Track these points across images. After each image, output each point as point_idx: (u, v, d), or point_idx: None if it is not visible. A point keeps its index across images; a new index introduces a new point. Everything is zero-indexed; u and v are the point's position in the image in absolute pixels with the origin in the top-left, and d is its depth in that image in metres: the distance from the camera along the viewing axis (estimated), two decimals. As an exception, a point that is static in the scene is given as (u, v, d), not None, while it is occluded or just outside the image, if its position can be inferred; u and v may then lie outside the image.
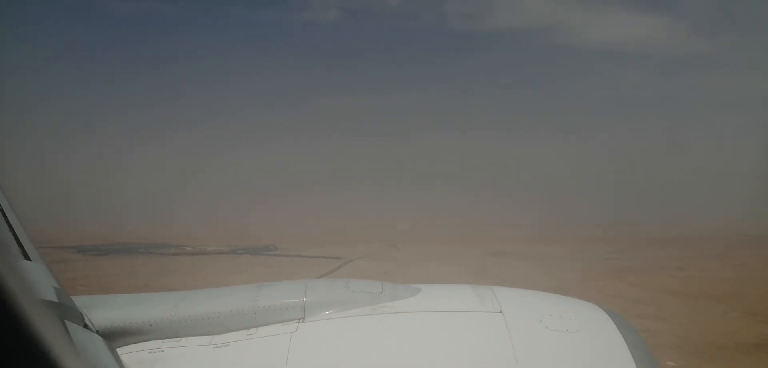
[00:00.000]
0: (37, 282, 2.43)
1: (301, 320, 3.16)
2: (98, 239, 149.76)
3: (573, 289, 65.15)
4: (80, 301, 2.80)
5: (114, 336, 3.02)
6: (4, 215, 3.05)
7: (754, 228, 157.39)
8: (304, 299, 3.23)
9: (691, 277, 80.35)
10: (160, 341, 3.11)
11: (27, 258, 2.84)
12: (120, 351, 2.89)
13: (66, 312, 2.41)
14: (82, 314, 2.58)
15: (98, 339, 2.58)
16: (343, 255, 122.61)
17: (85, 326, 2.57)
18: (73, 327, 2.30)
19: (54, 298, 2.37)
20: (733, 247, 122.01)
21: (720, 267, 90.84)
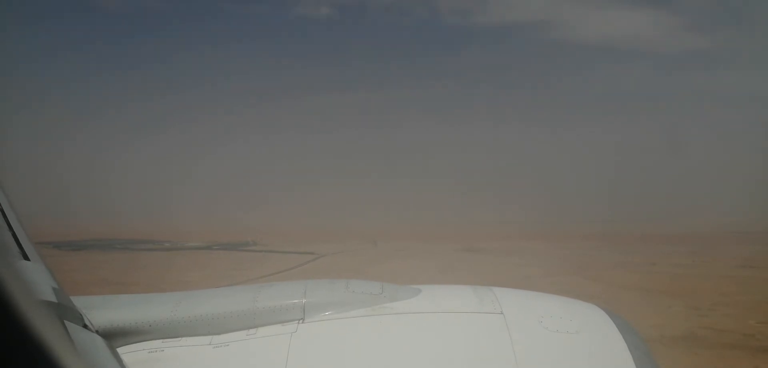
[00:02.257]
0: (36, 283, 2.41)
1: (300, 321, 3.16)
2: (81, 235, 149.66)
3: (531, 283, 64.73)
4: (80, 301, 2.79)
5: (114, 336, 3.01)
6: (4, 215, 2.98)
7: (744, 225, 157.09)
8: (304, 300, 3.22)
9: (656, 272, 79.99)
10: (160, 341, 3.10)
11: (26, 258, 2.79)
12: (120, 350, 2.88)
13: (65, 312, 2.39)
14: (81, 314, 2.58)
15: (98, 339, 2.58)
16: (321, 251, 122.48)
17: (85, 326, 2.57)
18: (73, 327, 2.29)
19: (53, 299, 2.35)
20: (712, 244, 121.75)
21: (690, 263, 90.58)
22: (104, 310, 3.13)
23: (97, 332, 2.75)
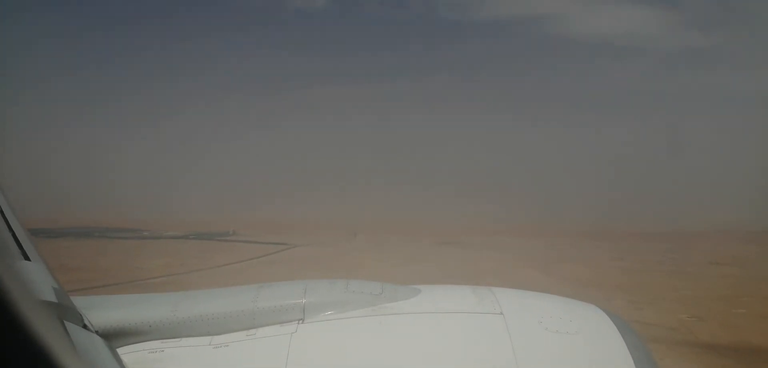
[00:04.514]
0: (36, 283, 2.39)
1: (300, 321, 3.16)
2: (61, 223, 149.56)
3: (490, 276, 64.31)
4: (80, 301, 2.76)
5: (114, 337, 3.01)
6: (3, 215, 2.92)
7: (736, 224, 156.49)
8: (304, 300, 3.23)
9: (618, 268, 79.40)
10: (160, 341, 3.10)
11: (26, 258, 2.74)
12: (120, 351, 2.88)
13: (65, 312, 2.38)
14: (81, 314, 2.57)
15: (98, 339, 2.59)
16: (295, 242, 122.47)
17: (85, 326, 2.56)
18: (72, 327, 2.29)
19: (53, 299, 2.34)
20: (695, 242, 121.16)
21: (659, 260, 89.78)
22: (104, 310, 3.12)
23: (96, 332, 2.74)
